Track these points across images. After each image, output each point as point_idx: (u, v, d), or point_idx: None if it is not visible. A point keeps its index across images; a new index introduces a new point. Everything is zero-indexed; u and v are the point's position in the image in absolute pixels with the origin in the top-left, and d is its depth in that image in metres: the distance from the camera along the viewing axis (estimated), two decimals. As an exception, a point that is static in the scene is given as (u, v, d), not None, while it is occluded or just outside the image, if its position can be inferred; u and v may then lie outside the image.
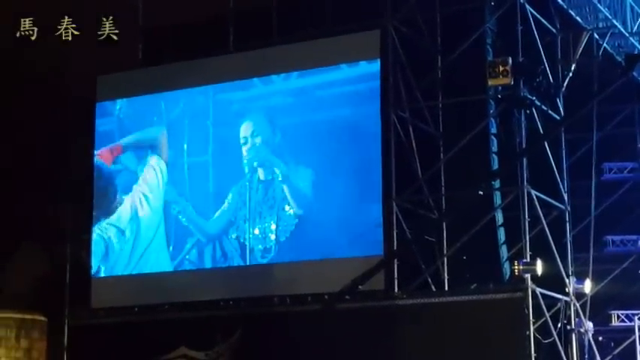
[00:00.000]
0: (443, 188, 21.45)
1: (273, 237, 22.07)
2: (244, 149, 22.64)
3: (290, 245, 21.90)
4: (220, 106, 23.12)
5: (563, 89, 21.96)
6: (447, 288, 20.80)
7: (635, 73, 23.01)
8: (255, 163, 22.49)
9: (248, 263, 22.33)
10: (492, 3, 21.52)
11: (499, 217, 21.66)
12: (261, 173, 22.42)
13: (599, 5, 22.63)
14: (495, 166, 21.89)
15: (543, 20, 21.77)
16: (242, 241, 22.41)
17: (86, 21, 22.12)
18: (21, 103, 24.85)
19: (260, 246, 22.22)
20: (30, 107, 24.77)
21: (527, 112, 20.60)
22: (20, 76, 24.60)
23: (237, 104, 22.96)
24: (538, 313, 19.86)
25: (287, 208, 22.00)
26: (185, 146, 23.34)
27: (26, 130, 24.74)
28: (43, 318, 23.63)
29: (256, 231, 22.28)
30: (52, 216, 24.00)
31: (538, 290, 19.83)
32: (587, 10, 22.66)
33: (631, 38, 23.81)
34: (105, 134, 24.16)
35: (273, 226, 22.09)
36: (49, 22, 22.22)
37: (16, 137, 24.81)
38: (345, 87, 21.93)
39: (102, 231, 23.81)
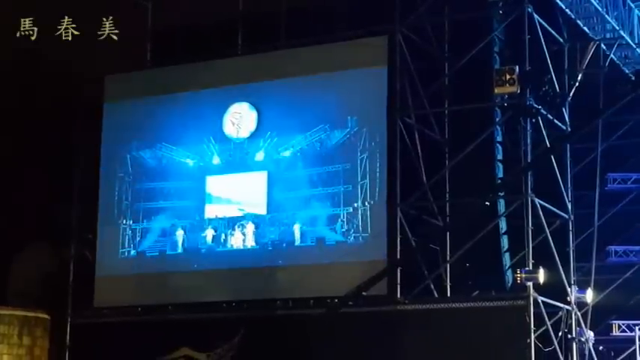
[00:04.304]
0: (447, 195, 21.50)
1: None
2: (258, 155, 22.75)
3: (288, 249, 22.03)
4: (227, 110, 23.16)
5: (570, 99, 22.01)
6: (449, 294, 20.85)
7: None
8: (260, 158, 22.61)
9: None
10: (500, 12, 21.58)
11: (502, 225, 21.71)
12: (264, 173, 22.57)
13: (607, 16, 22.66)
14: (500, 174, 21.95)
15: (551, 30, 21.82)
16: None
17: (88, 21, 22.21)
18: (29, 103, 24.92)
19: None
20: (38, 107, 24.83)
21: (533, 120, 20.64)
22: (28, 78, 24.66)
23: (244, 107, 23.00)
24: (539, 321, 19.89)
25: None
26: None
27: (33, 130, 24.80)
28: (46, 316, 23.70)
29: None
30: (57, 215, 24.10)
31: (540, 299, 19.88)
32: (595, 20, 22.70)
33: (638, 49, 23.83)
34: (112, 134, 24.24)
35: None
36: (49, 22, 22.28)
37: (24, 137, 24.88)
38: (352, 93, 21.96)
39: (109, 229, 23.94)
